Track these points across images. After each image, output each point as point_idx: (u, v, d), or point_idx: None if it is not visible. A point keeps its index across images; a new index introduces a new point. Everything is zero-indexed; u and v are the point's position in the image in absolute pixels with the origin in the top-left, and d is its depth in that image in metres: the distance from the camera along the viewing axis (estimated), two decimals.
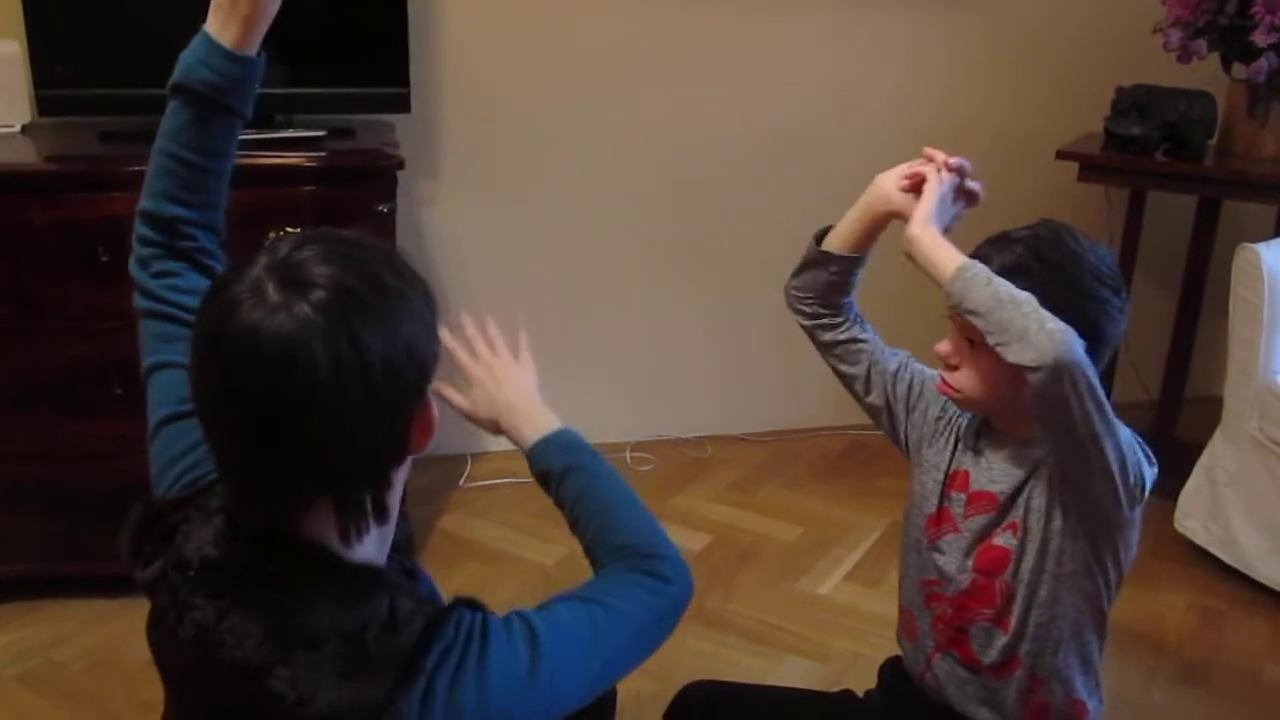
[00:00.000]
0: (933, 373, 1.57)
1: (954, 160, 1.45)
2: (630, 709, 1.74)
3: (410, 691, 0.93)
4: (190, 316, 1.12)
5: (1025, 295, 1.31)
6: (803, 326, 1.63)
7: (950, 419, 1.57)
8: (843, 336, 1.60)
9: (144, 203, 1.19)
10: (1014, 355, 1.28)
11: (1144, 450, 1.42)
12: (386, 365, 0.91)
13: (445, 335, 1.26)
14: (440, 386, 1.30)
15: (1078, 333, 1.37)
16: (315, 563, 0.98)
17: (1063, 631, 1.48)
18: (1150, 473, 1.42)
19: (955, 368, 1.45)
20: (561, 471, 1.21)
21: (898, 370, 1.60)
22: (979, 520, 1.51)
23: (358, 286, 0.91)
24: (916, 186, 1.45)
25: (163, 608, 1.00)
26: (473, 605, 1.02)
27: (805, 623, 2.48)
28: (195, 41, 1.18)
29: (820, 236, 1.58)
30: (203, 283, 1.17)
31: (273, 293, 0.90)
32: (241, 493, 0.98)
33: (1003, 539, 1.48)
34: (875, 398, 1.61)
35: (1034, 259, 1.39)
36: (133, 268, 1.19)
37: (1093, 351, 1.39)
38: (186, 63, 1.18)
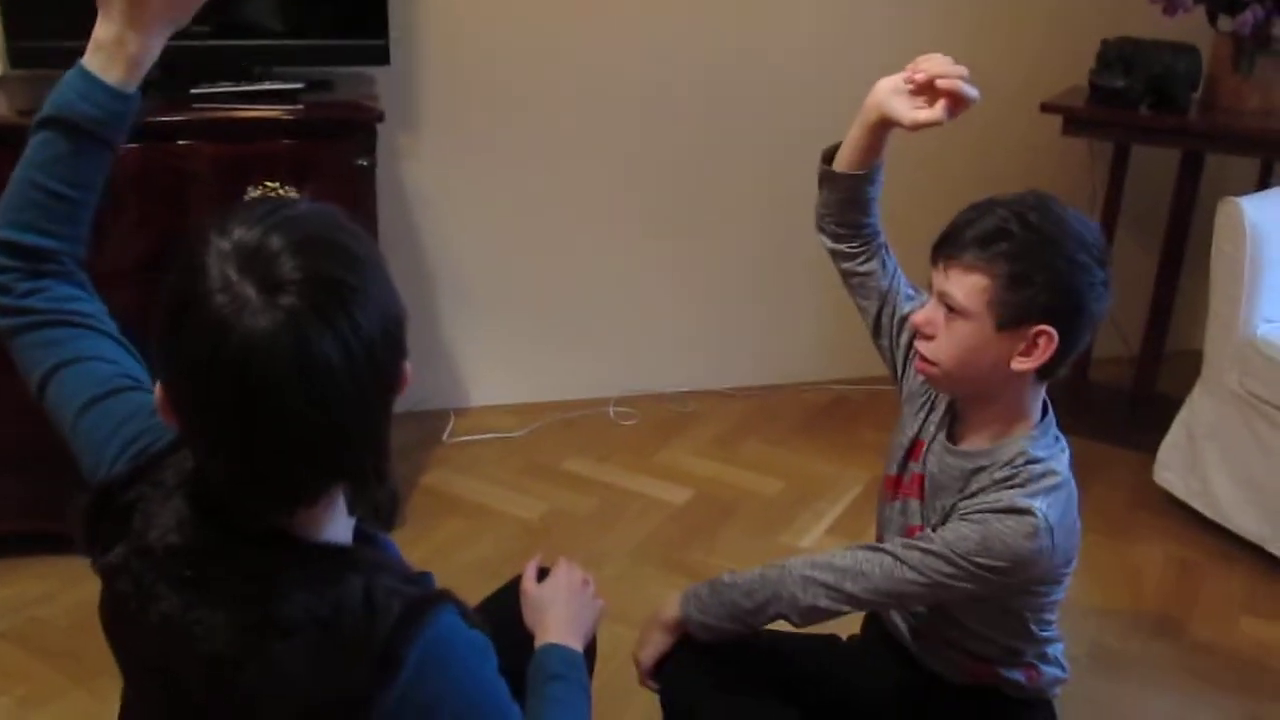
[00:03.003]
0: None
1: (943, 82, 1.40)
2: (611, 657, 1.75)
3: (390, 687, 0.91)
4: (75, 317, 1.13)
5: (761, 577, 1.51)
6: (827, 250, 1.60)
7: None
8: (860, 269, 1.57)
9: (3, 231, 1.14)
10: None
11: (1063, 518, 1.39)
12: (385, 334, 0.91)
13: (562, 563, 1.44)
14: (528, 567, 1.47)
15: (1058, 303, 1.34)
16: (281, 548, 0.95)
17: (984, 617, 1.48)
18: (1071, 557, 1.44)
19: (931, 337, 1.41)
20: (550, 675, 1.27)
21: (906, 318, 1.55)
22: (912, 502, 1.52)
23: (335, 270, 0.89)
24: (921, 90, 1.41)
25: (124, 596, 0.96)
26: (461, 607, 1.00)
27: None
28: (71, 76, 1.14)
29: (831, 155, 1.55)
30: (74, 290, 1.15)
31: (255, 297, 0.86)
32: (252, 499, 0.94)
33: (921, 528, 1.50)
34: (882, 339, 1.60)
35: (1016, 222, 1.35)
36: None
37: (1075, 326, 1.36)
38: (64, 97, 1.13)
